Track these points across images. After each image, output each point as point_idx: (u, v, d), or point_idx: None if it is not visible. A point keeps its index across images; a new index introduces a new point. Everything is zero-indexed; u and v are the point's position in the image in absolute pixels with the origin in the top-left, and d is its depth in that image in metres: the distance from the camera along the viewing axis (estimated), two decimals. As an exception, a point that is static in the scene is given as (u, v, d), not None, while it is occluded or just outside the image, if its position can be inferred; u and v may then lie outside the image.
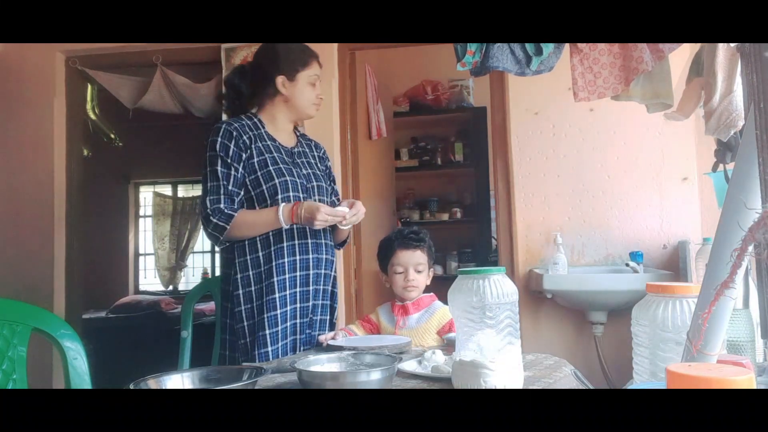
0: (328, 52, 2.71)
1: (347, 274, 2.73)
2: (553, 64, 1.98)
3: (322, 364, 1.16)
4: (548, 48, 1.92)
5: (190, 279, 5.79)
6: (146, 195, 5.90)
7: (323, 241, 1.75)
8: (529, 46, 1.93)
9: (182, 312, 2.17)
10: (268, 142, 1.72)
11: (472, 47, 1.94)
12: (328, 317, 1.77)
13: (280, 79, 1.73)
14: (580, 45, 1.98)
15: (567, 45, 2.00)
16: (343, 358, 1.19)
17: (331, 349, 1.44)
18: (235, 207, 1.64)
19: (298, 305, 1.67)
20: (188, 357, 2.11)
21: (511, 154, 2.76)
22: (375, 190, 3.30)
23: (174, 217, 5.79)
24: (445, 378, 1.12)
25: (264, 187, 1.65)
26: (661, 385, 0.63)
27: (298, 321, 1.67)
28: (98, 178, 4.61)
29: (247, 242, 1.66)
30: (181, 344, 2.11)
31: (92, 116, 3.65)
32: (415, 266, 1.73)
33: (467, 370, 0.97)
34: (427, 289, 1.81)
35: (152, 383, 1.04)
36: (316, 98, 1.78)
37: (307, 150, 1.84)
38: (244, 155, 1.66)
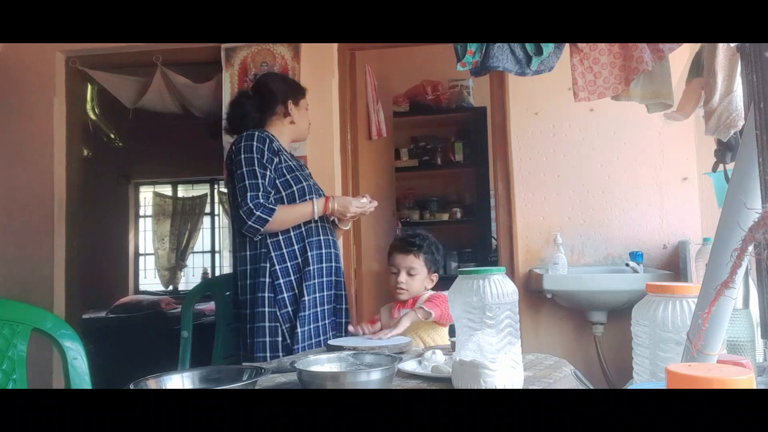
0: (328, 52, 2.71)
1: (347, 275, 2.72)
2: (553, 64, 1.97)
3: (322, 364, 1.16)
4: (548, 48, 1.92)
5: (190, 279, 5.79)
6: (146, 195, 5.90)
7: (335, 238, 1.98)
8: (529, 46, 1.93)
9: (182, 312, 2.18)
10: (286, 153, 1.94)
11: (472, 47, 1.93)
12: (344, 306, 1.95)
13: (289, 103, 1.98)
14: (580, 45, 1.97)
15: (567, 45, 1.99)
16: (343, 358, 1.19)
17: (331, 349, 1.44)
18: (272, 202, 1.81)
19: (325, 293, 1.88)
20: (188, 357, 2.12)
21: (511, 154, 2.76)
22: (375, 190, 3.28)
23: (174, 217, 5.79)
24: (445, 378, 1.12)
25: (295, 188, 1.86)
26: (661, 385, 0.63)
27: (326, 307, 1.88)
28: (98, 178, 4.60)
29: (281, 237, 1.84)
30: (182, 344, 2.11)
31: (92, 116, 3.65)
32: (407, 269, 1.80)
33: (467, 370, 0.97)
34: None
35: (152, 383, 1.04)
36: (309, 123, 2.07)
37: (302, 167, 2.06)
38: (275, 159, 1.85)
